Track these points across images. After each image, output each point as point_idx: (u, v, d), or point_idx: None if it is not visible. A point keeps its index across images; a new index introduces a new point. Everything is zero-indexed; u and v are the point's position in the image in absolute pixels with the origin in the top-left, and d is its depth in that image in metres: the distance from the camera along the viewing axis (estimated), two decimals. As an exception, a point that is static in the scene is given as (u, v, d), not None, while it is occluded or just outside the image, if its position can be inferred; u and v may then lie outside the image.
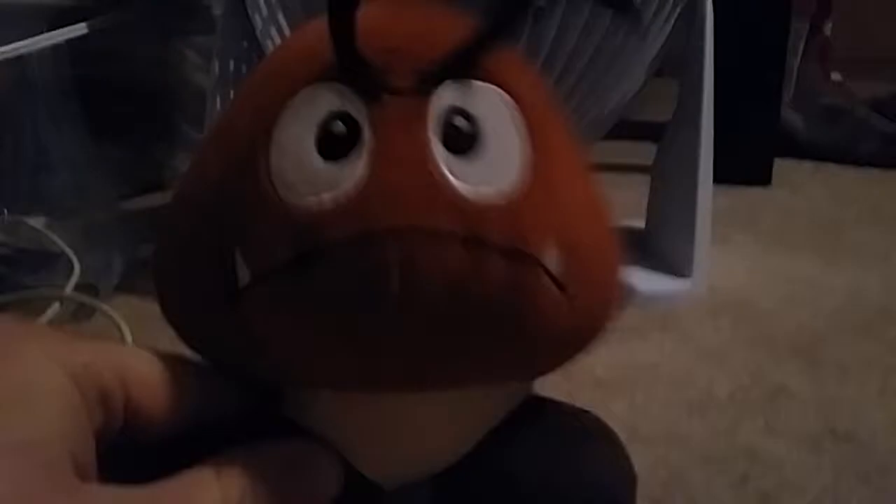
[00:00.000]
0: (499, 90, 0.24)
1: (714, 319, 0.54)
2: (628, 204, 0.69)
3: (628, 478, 0.28)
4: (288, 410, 0.26)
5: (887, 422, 0.40)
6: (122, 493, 0.21)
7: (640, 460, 0.32)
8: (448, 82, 0.24)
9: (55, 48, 0.69)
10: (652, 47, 0.59)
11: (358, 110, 0.23)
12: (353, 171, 0.22)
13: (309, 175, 0.23)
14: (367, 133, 0.23)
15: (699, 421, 0.40)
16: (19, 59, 0.67)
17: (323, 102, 0.23)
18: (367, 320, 0.22)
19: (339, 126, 0.23)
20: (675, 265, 0.60)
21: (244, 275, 0.23)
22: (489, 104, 0.24)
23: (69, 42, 0.72)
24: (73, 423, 0.21)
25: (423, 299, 0.22)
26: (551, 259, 0.24)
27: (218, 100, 0.67)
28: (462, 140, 0.23)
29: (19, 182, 0.67)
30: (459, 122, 0.24)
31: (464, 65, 0.24)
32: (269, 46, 0.63)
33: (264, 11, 0.62)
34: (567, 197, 0.25)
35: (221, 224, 0.24)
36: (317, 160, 0.23)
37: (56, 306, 0.49)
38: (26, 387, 0.21)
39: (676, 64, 0.67)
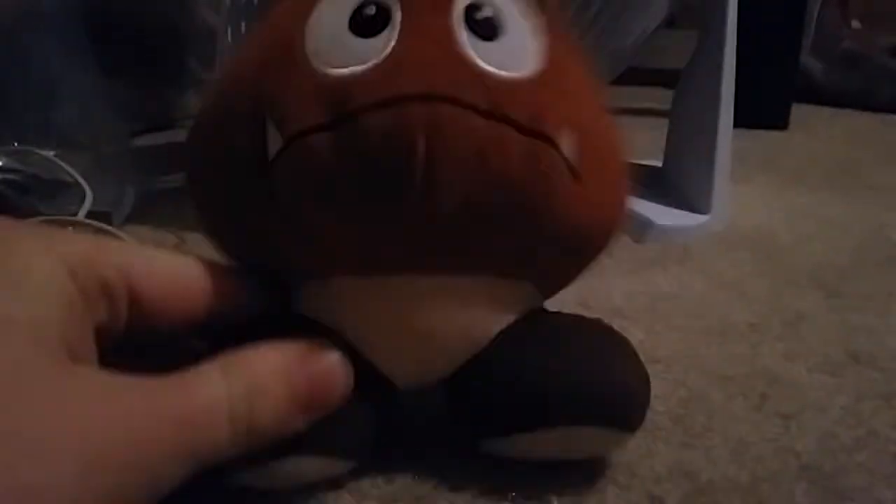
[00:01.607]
0: None
1: (733, 253, 0.53)
2: (645, 145, 0.68)
3: (642, 374, 0.28)
4: (301, 307, 0.27)
5: (910, 349, 0.40)
6: (112, 376, 0.20)
7: (659, 381, 0.32)
8: None
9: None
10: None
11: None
12: (384, 46, 0.24)
13: (341, 48, 0.24)
14: (396, 15, 0.24)
15: (718, 346, 0.40)
16: (28, -10, 0.66)
17: None
18: (393, 181, 0.23)
19: (371, 9, 0.24)
20: (694, 202, 0.59)
21: (276, 142, 0.24)
22: (511, 2, 0.26)
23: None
24: (68, 311, 0.21)
25: (446, 164, 0.23)
26: (567, 144, 0.25)
27: (229, 32, 0.66)
28: (486, 27, 0.25)
29: (29, 114, 0.66)
30: (485, 11, 0.25)
31: None
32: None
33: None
34: (578, 91, 0.26)
35: (257, 96, 0.25)
36: (349, 36, 0.24)
37: (70, 231, 0.49)
38: (21, 274, 0.21)
39: (691, 14, 0.66)
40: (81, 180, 0.54)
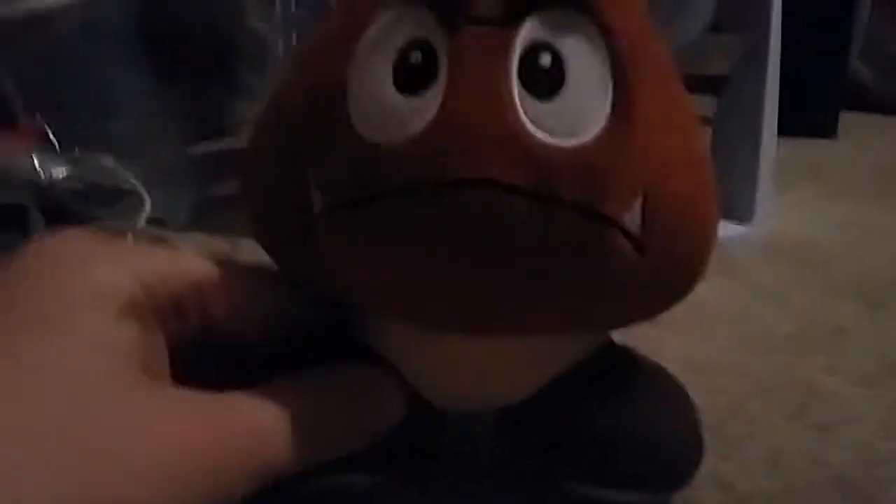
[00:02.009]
0: (591, 23, 0.23)
1: (775, 263, 0.54)
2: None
3: (695, 444, 0.28)
4: (360, 333, 0.27)
5: (950, 362, 0.40)
6: (190, 395, 0.21)
7: (695, 390, 0.32)
8: (537, 11, 0.22)
9: (123, -7, 0.70)
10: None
11: (438, 39, 0.22)
12: (427, 108, 0.22)
13: (383, 109, 0.22)
14: (443, 66, 0.22)
15: (757, 356, 0.40)
16: (87, 3, 0.68)
17: (403, 29, 0.23)
18: (427, 267, 0.22)
19: (417, 56, 0.22)
20: (737, 211, 0.59)
21: (318, 203, 0.23)
22: (579, 40, 0.22)
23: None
24: (143, 328, 0.22)
25: (486, 252, 0.22)
26: (632, 217, 0.22)
27: (280, 44, 0.68)
28: (545, 81, 0.22)
29: (87, 123, 0.69)
30: (544, 60, 0.22)
31: None
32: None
33: (327, -47, 0.62)
34: (658, 144, 0.23)
35: (300, 152, 0.24)
36: (391, 93, 0.22)
37: (129, 238, 0.51)
38: (96, 287, 0.22)
39: (735, 18, 0.66)
40: (140, 188, 0.56)
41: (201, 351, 0.25)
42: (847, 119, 0.96)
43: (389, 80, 0.22)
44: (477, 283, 0.22)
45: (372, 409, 0.25)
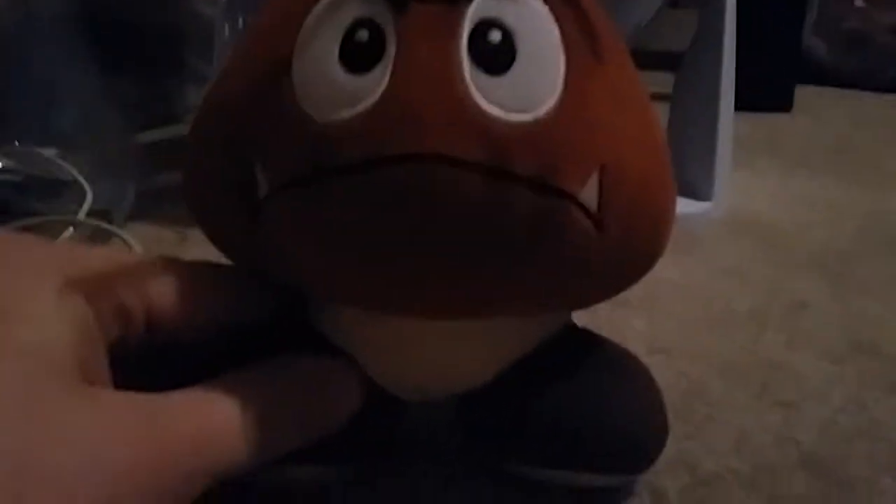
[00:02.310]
0: (539, 2, 0.22)
1: (735, 240, 0.53)
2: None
3: (660, 427, 0.27)
4: (315, 322, 0.26)
5: (913, 335, 0.40)
6: (128, 396, 0.20)
7: (660, 372, 0.32)
8: None
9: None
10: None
11: (384, 18, 0.21)
12: (375, 87, 0.21)
13: (330, 88, 0.21)
14: (391, 44, 0.21)
15: (719, 335, 0.40)
16: (25, -11, 0.66)
17: (349, 7, 0.22)
18: (377, 245, 0.21)
19: (363, 34, 0.21)
20: (696, 188, 0.59)
21: (264, 186, 0.22)
22: (528, 16, 0.22)
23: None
24: (79, 332, 0.21)
25: (438, 229, 0.21)
26: (588, 192, 0.22)
27: (227, 27, 0.66)
28: (495, 57, 0.21)
29: (29, 115, 0.67)
30: (494, 36, 0.21)
31: None
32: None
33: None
34: (612, 119, 0.23)
35: (243, 135, 0.23)
36: (338, 72, 0.21)
37: (70, 231, 0.49)
38: (30, 298, 0.20)
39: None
40: (81, 179, 0.54)
41: (149, 353, 0.24)
42: (802, 93, 0.96)
43: (335, 59, 0.22)
44: (428, 262, 0.22)
45: (327, 399, 0.24)
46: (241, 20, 0.66)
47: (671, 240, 0.48)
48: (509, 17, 0.22)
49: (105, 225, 0.48)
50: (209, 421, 0.21)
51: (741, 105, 0.65)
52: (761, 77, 0.94)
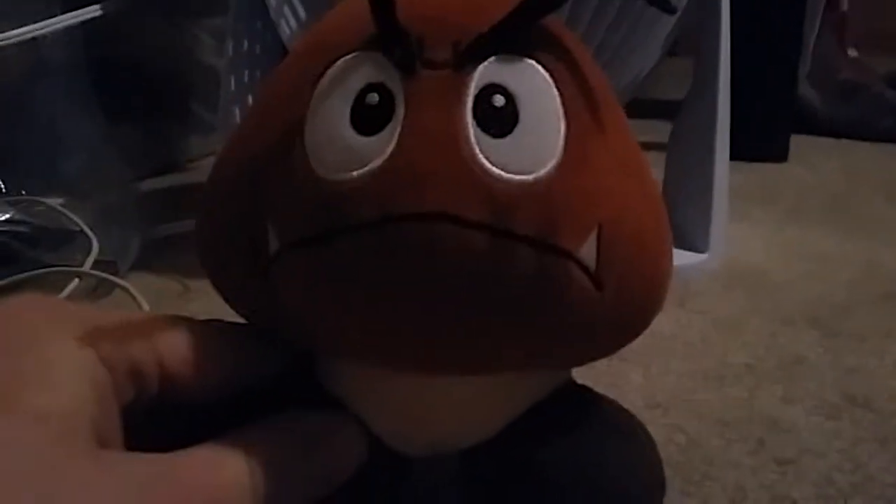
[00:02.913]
0: (541, 67, 0.23)
1: (731, 292, 0.54)
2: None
3: (656, 485, 0.27)
4: (321, 378, 0.26)
5: (906, 390, 0.40)
6: (141, 458, 0.21)
7: (657, 426, 0.32)
8: (489, 57, 0.23)
9: (69, 30, 0.69)
10: (669, 22, 0.59)
11: (394, 82, 0.22)
12: (384, 147, 0.22)
13: (341, 149, 0.22)
14: (400, 108, 0.22)
15: (716, 390, 0.40)
16: (34, 42, 0.67)
17: (361, 73, 0.23)
18: (385, 303, 0.22)
19: (374, 98, 0.22)
20: (692, 240, 0.60)
21: (274, 243, 0.23)
22: (531, 81, 0.23)
23: (83, 23, 0.72)
24: (95, 396, 0.21)
25: (443, 287, 0.21)
26: (588, 251, 0.22)
27: (232, 80, 0.67)
28: (499, 120, 0.22)
29: (36, 164, 0.68)
30: (498, 100, 0.22)
31: (507, 38, 0.23)
32: (283, 26, 0.63)
33: (277, -10, 0.62)
34: (610, 180, 0.23)
35: (255, 194, 0.23)
36: (349, 134, 0.22)
37: (75, 283, 0.50)
38: (48, 363, 0.21)
39: (691, 42, 0.67)
40: (87, 230, 0.55)
41: (161, 412, 0.24)
42: (797, 142, 0.97)
43: (347, 121, 0.22)
44: (434, 317, 0.22)
45: (332, 456, 0.25)
46: (246, 74, 0.67)
47: (669, 292, 0.48)
48: (513, 83, 0.23)
49: (110, 276, 0.49)
50: (219, 478, 0.21)
51: (736, 154, 0.66)
52: (756, 127, 0.95)
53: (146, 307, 0.47)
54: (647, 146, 0.87)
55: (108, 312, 0.25)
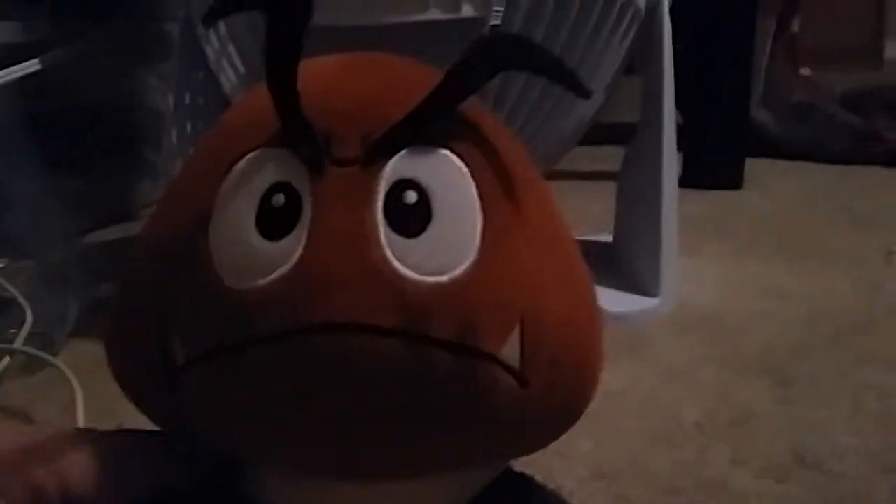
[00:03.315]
0: (456, 157, 0.22)
1: (682, 338, 0.53)
2: (598, 215, 0.68)
3: None
4: (245, 484, 0.25)
5: (856, 446, 0.40)
6: None
7: (604, 498, 0.31)
8: (401, 150, 0.22)
9: (7, 86, 0.68)
10: (611, 66, 0.59)
11: (301, 181, 0.21)
12: (291, 253, 0.21)
13: (246, 255, 0.21)
14: (307, 209, 0.21)
15: (664, 452, 0.40)
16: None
17: (266, 171, 0.22)
18: (301, 415, 0.21)
19: (280, 199, 0.21)
20: (643, 283, 0.59)
21: (181, 355, 0.22)
22: (445, 174, 0.22)
23: (22, 78, 0.71)
24: None
25: (359, 397, 0.21)
26: (510, 349, 0.21)
27: (174, 133, 0.66)
28: (411, 218, 0.21)
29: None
30: (410, 197, 0.21)
31: (420, 128, 0.22)
32: (223, 79, 0.62)
33: (216, 44, 0.61)
34: (532, 270, 0.22)
35: (163, 301, 0.22)
36: (255, 238, 0.21)
37: (7, 360, 0.48)
38: None
39: (642, 69, 0.66)
40: (21, 299, 0.54)
41: None
42: (752, 165, 0.98)
43: (252, 225, 0.21)
44: (351, 429, 0.21)
45: None
46: (189, 125, 0.66)
47: (620, 341, 0.47)
48: (425, 177, 0.22)
49: (42, 354, 0.47)
50: None
51: (690, 182, 0.66)
52: (710, 153, 0.95)
53: (77, 385, 0.45)
54: (602, 175, 0.85)
55: (9, 433, 0.24)
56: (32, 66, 0.73)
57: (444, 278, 0.21)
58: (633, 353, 0.51)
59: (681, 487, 0.36)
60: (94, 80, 0.89)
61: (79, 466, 0.23)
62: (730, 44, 1.00)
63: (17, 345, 0.48)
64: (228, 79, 0.62)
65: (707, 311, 0.58)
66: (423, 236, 0.21)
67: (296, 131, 0.22)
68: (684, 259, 0.61)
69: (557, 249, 0.24)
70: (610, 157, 0.84)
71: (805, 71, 1.22)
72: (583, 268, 0.25)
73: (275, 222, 0.21)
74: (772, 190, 0.94)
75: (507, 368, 0.21)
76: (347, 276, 0.20)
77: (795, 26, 1.19)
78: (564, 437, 0.40)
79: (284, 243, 0.21)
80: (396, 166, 0.22)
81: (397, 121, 0.22)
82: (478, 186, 0.22)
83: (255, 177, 0.22)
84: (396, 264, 0.21)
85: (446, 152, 0.22)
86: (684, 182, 0.62)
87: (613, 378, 0.48)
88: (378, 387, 0.21)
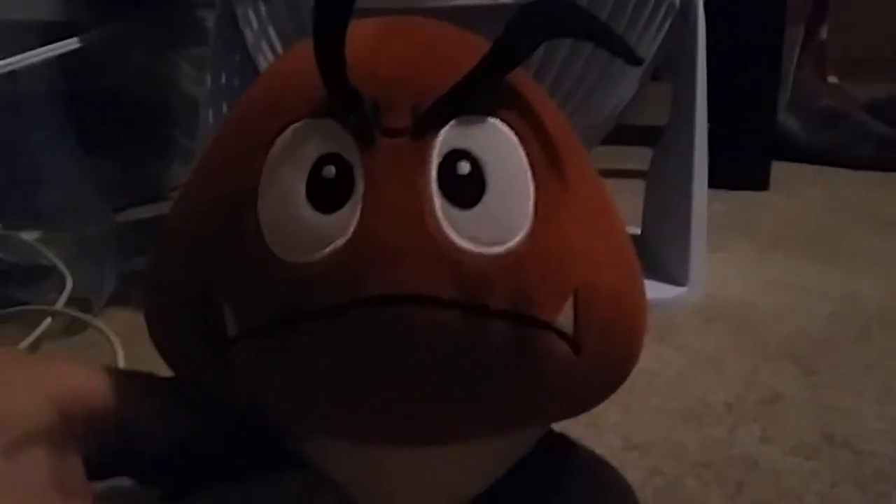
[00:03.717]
0: (506, 127, 0.22)
1: (710, 326, 0.54)
2: (625, 210, 0.68)
3: None
4: (291, 442, 0.25)
5: (885, 429, 0.40)
6: None
7: (634, 469, 0.32)
8: (451, 120, 0.21)
9: (47, 63, 0.69)
10: (645, 57, 0.59)
11: (351, 153, 0.21)
12: (345, 226, 0.20)
13: (299, 228, 0.21)
14: (359, 181, 0.21)
15: (694, 429, 0.40)
16: (11, 75, 0.67)
17: (314, 142, 0.21)
18: (358, 388, 0.21)
19: (330, 171, 0.21)
20: (672, 273, 0.59)
21: (232, 327, 0.22)
22: (496, 145, 0.22)
23: (61, 56, 0.72)
24: (56, 451, 0.21)
25: (417, 369, 0.20)
26: (565, 318, 0.21)
27: (210, 114, 0.67)
28: (465, 190, 0.21)
29: (12, 197, 0.67)
30: (463, 168, 0.21)
31: (469, 100, 0.22)
32: (261, 60, 0.63)
33: (255, 25, 0.62)
34: (583, 242, 0.22)
35: (210, 275, 0.22)
36: (307, 211, 0.21)
37: (48, 321, 0.49)
38: (7, 417, 0.21)
39: (672, 68, 0.67)
40: (62, 266, 0.55)
41: (125, 465, 0.24)
42: (778, 170, 0.98)
43: (303, 197, 0.21)
44: (408, 400, 0.21)
45: None
46: (224, 107, 0.67)
47: (649, 326, 0.47)
48: (477, 147, 0.21)
49: (83, 315, 0.48)
50: None
51: (717, 183, 0.66)
52: (737, 155, 0.96)
53: (118, 345, 0.46)
54: (629, 174, 0.87)
55: (72, 368, 0.25)
56: (71, 44, 0.74)
57: (500, 249, 0.21)
58: (661, 339, 0.52)
59: (710, 462, 0.37)
60: (129, 63, 0.91)
61: (137, 404, 0.24)
62: (759, 49, 1.00)
63: (59, 308, 0.49)
64: (266, 59, 0.63)
65: (733, 302, 0.58)
66: (478, 207, 0.21)
67: (343, 101, 0.21)
68: (710, 254, 0.61)
69: (605, 221, 0.24)
70: (637, 156, 0.84)
71: (832, 79, 1.22)
72: (628, 240, 0.26)
73: (326, 195, 0.21)
74: (798, 193, 0.94)
75: (562, 336, 0.22)
76: (404, 248, 0.20)
77: (824, 33, 1.19)
78: (595, 411, 0.41)
79: (338, 216, 0.21)
80: (448, 137, 0.21)
81: (447, 90, 0.21)
82: (528, 156, 0.22)
83: (302, 148, 0.21)
84: (453, 236, 0.20)
85: (497, 122, 0.22)
86: (711, 183, 0.62)
87: (641, 361, 0.48)
88: (436, 357, 0.20)
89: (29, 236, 0.61)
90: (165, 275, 0.24)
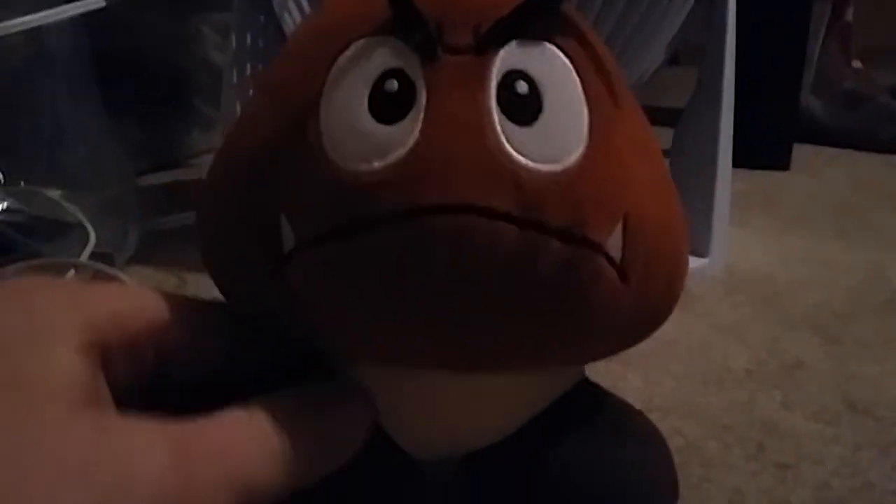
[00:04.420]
0: (561, 52, 0.23)
1: (732, 297, 0.54)
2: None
3: (668, 486, 0.27)
4: (327, 372, 0.25)
5: (907, 397, 0.40)
6: (156, 420, 0.20)
7: (656, 429, 0.31)
8: (510, 42, 0.22)
9: (73, 20, 0.69)
10: (673, 23, 0.59)
11: (413, 69, 0.22)
12: (406, 137, 0.21)
13: (360, 138, 0.21)
14: (421, 94, 0.21)
15: (715, 393, 0.40)
16: (37, 31, 0.67)
17: (377, 59, 0.22)
18: (410, 296, 0.21)
19: (393, 84, 0.22)
20: (693, 245, 0.59)
21: (289, 239, 0.22)
22: (552, 67, 0.22)
23: (87, 14, 0.72)
24: (87, 366, 0.21)
25: (470, 279, 0.21)
26: (614, 242, 0.22)
27: (235, 74, 0.67)
28: (523, 108, 0.22)
29: (36, 154, 0.67)
30: (521, 87, 0.22)
31: (528, 23, 0.22)
32: (287, 20, 0.63)
33: (282, -16, 0.61)
34: (632, 170, 0.23)
35: (267, 185, 0.22)
36: (369, 122, 0.21)
37: (71, 273, 0.49)
38: (44, 337, 0.21)
39: (692, 52, 0.67)
40: (85, 221, 0.55)
41: (160, 387, 0.24)
42: (800, 151, 0.97)
43: (365, 108, 0.22)
44: (461, 313, 0.21)
45: (343, 420, 0.24)
46: (249, 68, 0.67)
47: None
48: (535, 69, 0.22)
49: (106, 268, 0.48)
50: (248, 435, 0.21)
51: (739, 162, 0.65)
52: (759, 135, 0.95)
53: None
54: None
55: (108, 289, 0.25)
56: (97, 2, 0.74)
57: (556, 167, 0.21)
58: (681, 307, 0.51)
59: (732, 425, 0.37)
60: (152, 27, 0.91)
61: (172, 325, 0.24)
62: (784, 30, 0.99)
63: (82, 261, 0.49)
64: (292, 19, 0.63)
65: (755, 275, 0.58)
66: (535, 125, 0.22)
67: (408, 19, 0.22)
68: (732, 229, 0.61)
69: (651, 153, 0.25)
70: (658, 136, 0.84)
71: (856, 64, 1.21)
72: (671, 179, 0.26)
73: (388, 107, 0.21)
74: (819, 173, 0.93)
75: (611, 261, 0.22)
76: (464, 159, 0.21)
77: (850, 15, 1.18)
78: (616, 372, 0.41)
79: (399, 127, 0.21)
80: (507, 57, 0.22)
81: (507, 12, 0.22)
82: (582, 81, 0.23)
83: (366, 63, 0.22)
84: (511, 151, 0.21)
85: (552, 47, 0.23)
86: (733, 162, 0.62)
87: (662, 329, 0.48)
88: (490, 270, 0.21)
89: (52, 194, 0.62)
90: (221, 188, 0.24)
